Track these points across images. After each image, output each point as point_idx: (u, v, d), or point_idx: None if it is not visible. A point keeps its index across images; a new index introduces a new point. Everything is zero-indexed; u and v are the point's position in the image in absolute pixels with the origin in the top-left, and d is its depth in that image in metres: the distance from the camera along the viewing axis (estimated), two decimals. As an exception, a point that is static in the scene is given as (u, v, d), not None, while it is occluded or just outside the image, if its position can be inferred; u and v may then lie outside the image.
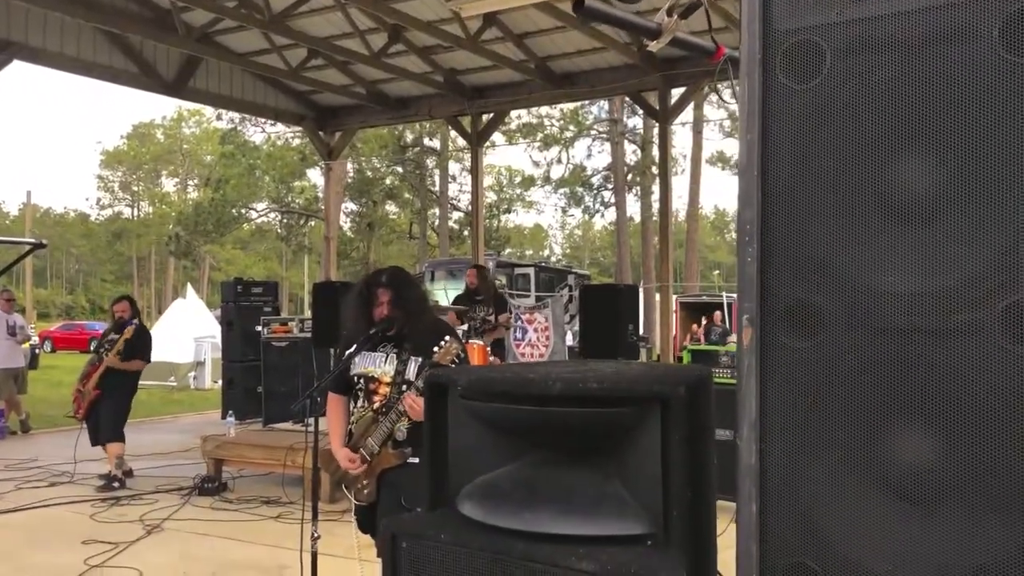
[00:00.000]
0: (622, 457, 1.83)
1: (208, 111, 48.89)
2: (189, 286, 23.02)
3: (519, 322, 12.44)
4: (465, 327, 8.22)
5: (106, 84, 11.93)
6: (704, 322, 20.19)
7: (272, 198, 39.09)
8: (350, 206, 38.79)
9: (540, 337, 12.36)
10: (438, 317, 4.12)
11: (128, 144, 68.14)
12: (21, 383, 11.57)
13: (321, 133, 14.66)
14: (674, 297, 15.63)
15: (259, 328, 10.07)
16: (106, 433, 7.76)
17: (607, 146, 33.91)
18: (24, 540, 6.06)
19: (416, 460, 3.52)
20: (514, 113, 27.97)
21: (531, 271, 24.19)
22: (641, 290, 15.67)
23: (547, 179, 38.66)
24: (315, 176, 37.00)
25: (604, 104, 32.14)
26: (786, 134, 1.63)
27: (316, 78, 12.59)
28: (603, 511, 1.81)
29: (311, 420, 3.88)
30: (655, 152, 26.73)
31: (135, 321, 7.81)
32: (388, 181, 37.64)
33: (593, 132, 34.76)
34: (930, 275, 1.49)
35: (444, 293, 15.15)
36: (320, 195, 31.12)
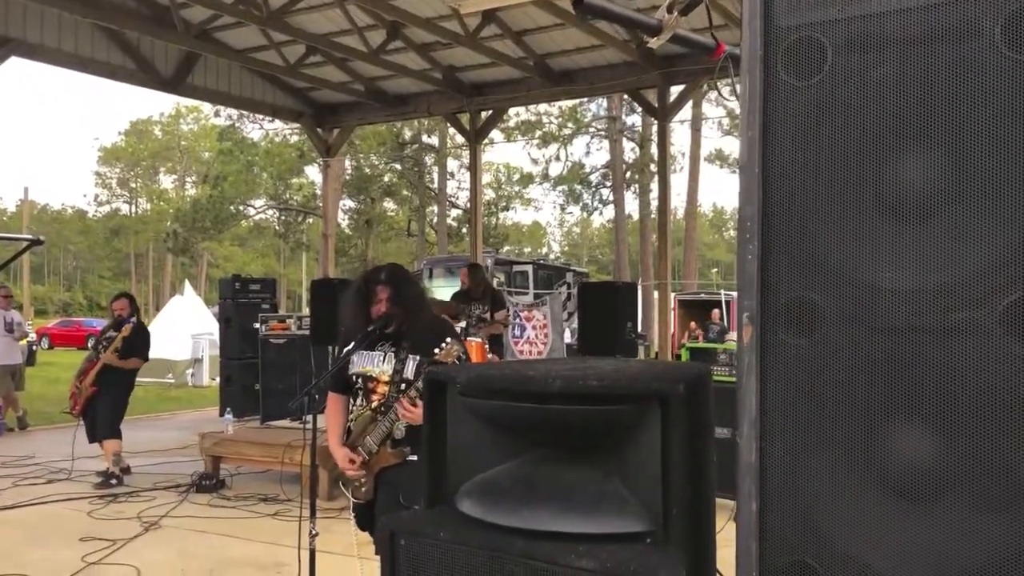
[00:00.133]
0: (622, 455, 1.83)
1: (206, 108, 48.85)
2: (187, 283, 22.99)
3: (517, 319, 12.44)
4: (463, 324, 8.21)
5: (104, 80, 11.92)
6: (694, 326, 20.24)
7: (270, 195, 39.09)
8: (348, 203, 38.83)
9: (538, 334, 12.36)
10: (437, 315, 4.10)
11: (126, 141, 68.08)
12: (19, 380, 11.57)
13: (319, 130, 14.64)
14: (672, 295, 15.62)
15: (257, 325, 10.07)
16: (103, 430, 7.76)
17: (605, 144, 33.87)
18: (22, 537, 6.06)
19: (415, 458, 3.51)
20: (512, 110, 27.92)
21: (529, 268, 24.20)
22: (639, 288, 15.65)
23: (545, 176, 38.66)
24: (313, 173, 37.08)
25: (603, 101, 32.14)
26: (787, 131, 1.63)
27: (314, 75, 12.57)
28: (603, 509, 1.80)
29: (309, 417, 3.88)
30: (654, 150, 26.74)
31: (133, 319, 7.80)
32: (386, 178, 37.64)
33: (592, 129, 34.72)
34: (931, 273, 1.48)
35: (442, 290, 15.15)
36: (318, 192, 31.12)
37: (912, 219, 1.50)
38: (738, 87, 1.80)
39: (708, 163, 37.60)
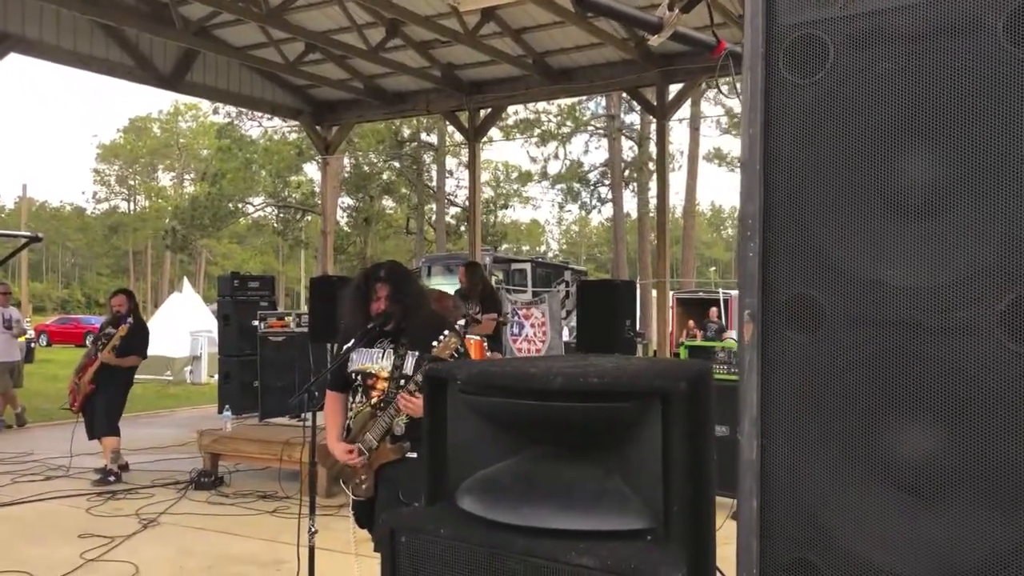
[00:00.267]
0: (623, 452, 1.83)
1: (205, 105, 48.78)
2: (185, 280, 22.94)
3: (516, 317, 12.44)
4: (462, 322, 8.20)
5: (102, 77, 11.89)
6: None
7: (269, 192, 39.04)
8: (347, 201, 38.79)
9: (537, 332, 12.36)
10: (436, 311, 4.11)
11: (124, 138, 68.01)
12: (17, 377, 11.56)
13: (318, 127, 14.63)
14: (670, 293, 15.62)
15: (256, 323, 10.06)
16: (101, 427, 7.75)
17: (604, 142, 33.86)
18: (20, 534, 6.05)
19: (414, 455, 3.52)
20: (511, 109, 27.93)
21: (528, 267, 24.19)
22: (638, 286, 15.65)
23: (544, 175, 38.67)
24: (312, 171, 37.06)
25: (601, 100, 32.10)
26: (789, 129, 1.63)
27: (313, 72, 12.56)
28: (603, 506, 1.80)
29: (308, 415, 3.88)
30: (652, 148, 26.74)
31: (129, 320, 7.77)
32: (385, 176, 37.59)
33: (590, 128, 34.72)
34: (933, 270, 1.48)
35: (440, 288, 15.12)
36: (317, 190, 31.07)
37: (914, 216, 1.50)
38: (739, 85, 1.80)
39: (706, 162, 37.63)
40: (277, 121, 31.20)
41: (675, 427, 1.75)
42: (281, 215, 40.07)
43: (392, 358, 3.67)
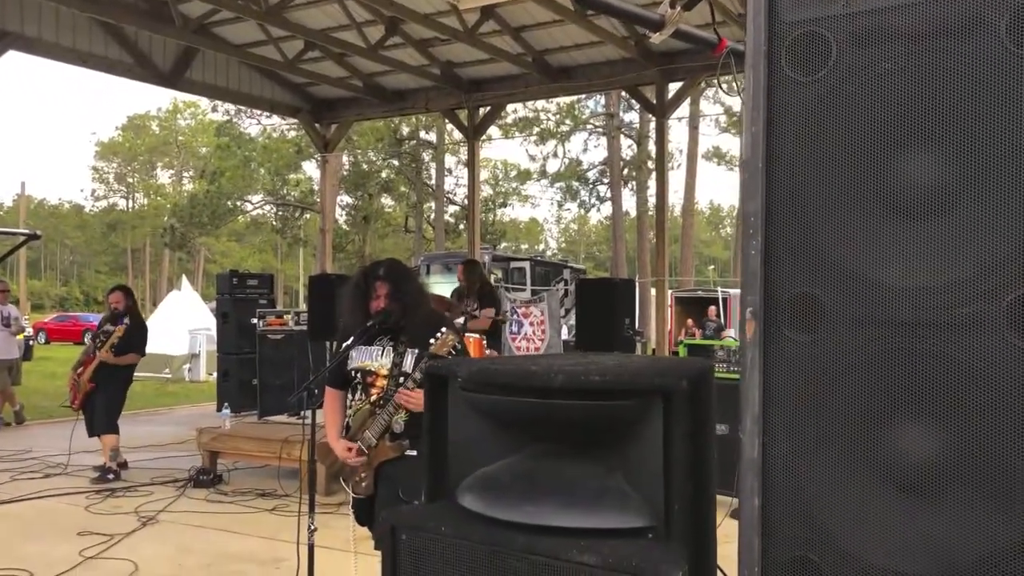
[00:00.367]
0: (624, 450, 1.83)
1: (204, 103, 48.81)
2: (184, 278, 22.91)
3: (515, 316, 12.44)
4: (461, 320, 8.20)
5: (101, 75, 11.89)
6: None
7: (267, 190, 39.02)
8: (346, 199, 38.76)
9: (536, 331, 12.36)
10: (435, 309, 4.11)
11: (123, 135, 67.93)
12: (15, 374, 11.55)
13: (317, 125, 14.62)
14: (669, 292, 15.63)
15: (254, 320, 10.06)
16: (100, 425, 7.74)
17: (603, 140, 33.84)
18: (19, 531, 6.05)
19: (414, 453, 3.52)
20: (510, 107, 27.94)
21: (527, 265, 24.18)
22: (637, 284, 15.65)
23: (543, 173, 38.63)
24: (311, 169, 37.06)
25: (600, 98, 32.11)
26: (791, 127, 1.63)
27: (313, 70, 12.55)
28: (604, 504, 1.80)
29: (307, 412, 3.87)
30: (651, 147, 26.73)
31: (126, 320, 7.76)
32: (384, 174, 37.57)
33: (589, 126, 34.71)
34: (935, 269, 1.48)
35: (439, 286, 15.13)
36: (316, 188, 31.08)
37: (916, 215, 1.50)
38: (740, 83, 1.80)
39: (705, 160, 37.69)
40: (276, 119, 31.22)
41: (676, 425, 1.75)
42: (280, 213, 40.06)
43: (391, 356, 3.68)
